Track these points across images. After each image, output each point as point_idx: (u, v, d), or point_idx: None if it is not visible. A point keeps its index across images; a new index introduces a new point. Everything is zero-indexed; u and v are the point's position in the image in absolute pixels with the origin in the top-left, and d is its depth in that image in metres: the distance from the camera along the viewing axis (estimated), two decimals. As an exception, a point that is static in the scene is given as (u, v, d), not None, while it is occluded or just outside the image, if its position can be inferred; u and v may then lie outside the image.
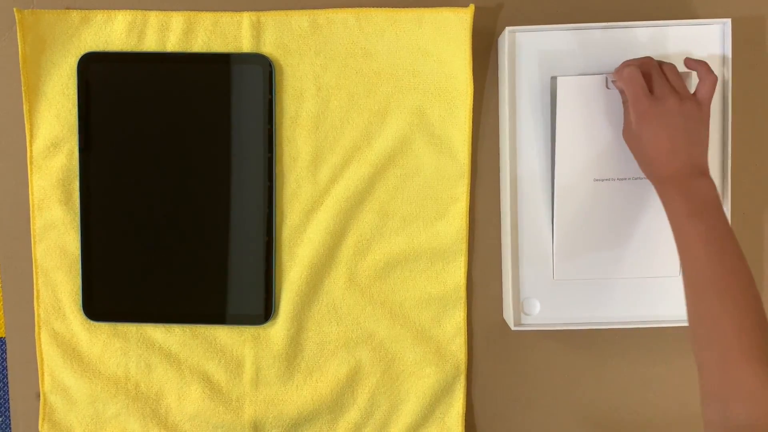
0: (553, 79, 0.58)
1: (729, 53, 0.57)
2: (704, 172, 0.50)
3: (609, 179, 0.56)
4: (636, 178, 0.56)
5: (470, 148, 0.61)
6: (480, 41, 0.61)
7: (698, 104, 0.52)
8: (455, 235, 0.61)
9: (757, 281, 0.61)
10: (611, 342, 0.62)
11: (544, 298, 0.60)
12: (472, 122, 0.61)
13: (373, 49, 0.60)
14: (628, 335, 0.62)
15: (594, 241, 0.57)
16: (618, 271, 0.58)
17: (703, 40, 0.58)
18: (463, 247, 0.61)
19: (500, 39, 0.59)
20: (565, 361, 0.63)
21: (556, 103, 0.56)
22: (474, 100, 0.61)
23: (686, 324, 0.58)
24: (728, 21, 0.57)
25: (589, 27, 0.57)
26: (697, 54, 0.58)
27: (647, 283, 0.59)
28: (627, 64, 0.54)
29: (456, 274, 0.61)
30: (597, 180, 0.56)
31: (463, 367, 0.62)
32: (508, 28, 0.57)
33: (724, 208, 0.57)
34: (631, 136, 0.53)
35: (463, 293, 0.61)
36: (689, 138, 0.51)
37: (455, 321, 0.62)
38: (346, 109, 0.61)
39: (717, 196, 0.49)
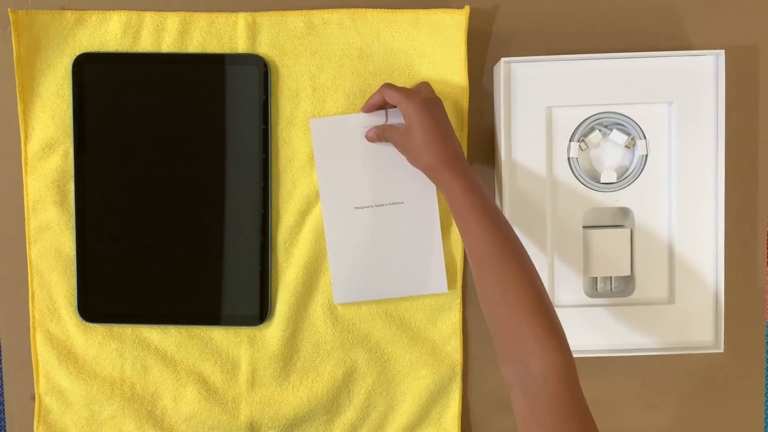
0: (548, 108, 0.58)
1: (722, 84, 0.58)
2: (467, 163, 0.55)
3: (367, 206, 0.60)
4: (392, 204, 0.60)
5: (466, 150, 0.61)
6: (476, 42, 0.61)
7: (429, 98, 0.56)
8: (450, 235, 0.61)
9: (750, 275, 0.62)
10: (606, 369, 0.63)
11: None
12: (468, 123, 0.61)
13: (368, 50, 0.60)
14: (623, 362, 0.63)
15: (365, 262, 0.60)
16: (392, 290, 0.61)
17: (697, 71, 0.58)
18: (459, 248, 0.61)
19: (495, 68, 0.60)
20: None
21: (312, 143, 0.60)
22: (470, 102, 0.60)
23: (677, 352, 0.59)
24: (722, 52, 0.57)
25: (583, 57, 0.58)
26: (691, 83, 0.58)
27: (641, 312, 0.59)
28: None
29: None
30: (357, 208, 0.60)
31: (459, 368, 0.62)
32: (503, 59, 0.57)
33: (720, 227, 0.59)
34: (401, 136, 0.56)
35: (458, 294, 0.61)
36: (450, 128, 0.56)
37: (451, 322, 0.62)
38: (342, 110, 0.60)
39: (481, 181, 0.54)
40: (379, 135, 0.59)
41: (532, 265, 0.50)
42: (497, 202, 0.61)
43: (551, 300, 0.59)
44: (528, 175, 0.59)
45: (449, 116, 0.60)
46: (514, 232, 0.51)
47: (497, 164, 0.61)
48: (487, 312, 0.50)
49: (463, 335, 0.62)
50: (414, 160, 0.56)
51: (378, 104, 0.58)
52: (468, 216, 0.51)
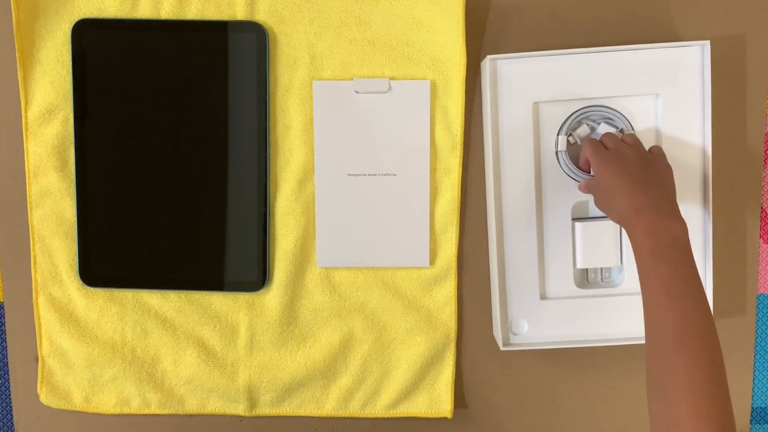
0: (535, 104, 0.59)
1: (708, 74, 0.57)
2: (672, 213, 0.49)
3: (360, 174, 0.60)
4: (385, 175, 0.60)
5: (463, 120, 0.61)
6: (474, 15, 0.61)
7: (655, 156, 0.54)
8: (447, 207, 0.62)
9: (739, 266, 0.63)
10: (598, 358, 0.64)
11: (531, 317, 0.61)
12: (465, 94, 0.61)
13: (367, 18, 0.60)
14: (620, 352, 0.64)
15: (351, 229, 0.61)
16: (375, 259, 0.61)
17: (683, 62, 0.58)
18: (455, 218, 0.62)
19: (482, 65, 0.60)
20: (549, 362, 0.64)
21: (313, 105, 0.60)
22: (467, 72, 0.60)
23: None
24: (707, 43, 0.57)
25: (569, 53, 0.58)
26: (678, 74, 0.58)
27: (634, 301, 0.60)
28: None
29: (447, 244, 0.62)
30: (350, 175, 0.60)
31: (453, 335, 0.63)
32: (489, 56, 0.58)
33: (707, 221, 0.59)
34: (595, 190, 0.55)
35: (453, 264, 0.62)
36: (648, 177, 0.51)
37: (446, 291, 0.63)
38: (339, 79, 0.61)
39: (686, 238, 0.48)
40: (586, 188, 0.57)
41: (717, 354, 0.43)
42: (486, 200, 0.62)
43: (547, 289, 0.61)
44: (516, 170, 0.59)
45: (443, 87, 0.60)
46: (707, 309, 0.45)
47: (486, 159, 0.61)
48: (648, 395, 0.44)
49: (457, 304, 0.63)
50: (606, 213, 0.54)
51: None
52: (649, 285, 0.46)
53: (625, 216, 0.50)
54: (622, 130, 0.59)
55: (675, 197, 0.53)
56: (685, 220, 0.49)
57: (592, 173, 0.57)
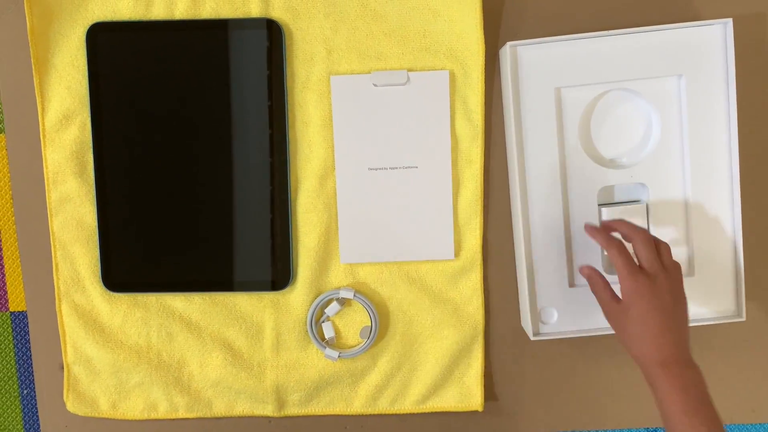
0: (557, 89, 0.58)
1: (731, 52, 0.57)
2: (691, 361, 0.50)
3: (381, 168, 0.60)
4: (406, 167, 0.60)
5: (484, 109, 0.60)
6: (490, 2, 0.60)
7: (680, 280, 0.52)
8: (470, 197, 0.61)
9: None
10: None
11: (561, 306, 0.60)
12: (485, 82, 0.60)
13: (382, 11, 0.60)
14: None
15: (374, 224, 0.61)
16: (399, 253, 0.61)
17: (705, 41, 0.57)
18: (479, 209, 0.61)
19: (502, 52, 0.59)
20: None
21: (332, 100, 0.60)
22: (486, 60, 0.60)
23: (699, 323, 0.59)
24: (729, 21, 0.56)
25: (589, 36, 0.57)
26: (700, 54, 0.57)
27: None
28: (608, 228, 0.53)
29: (472, 235, 0.61)
30: (371, 169, 0.60)
31: (480, 327, 0.62)
32: (509, 43, 0.57)
33: (737, 197, 0.58)
34: (615, 312, 0.52)
35: (479, 255, 0.62)
36: (677, 321, 0.50)
37: (472, 282, 0.62)
38: (356, 73, 0.60)
39: (707, 388, 0.49)
40: (589, 278, 0.54)
41: None
42: (510, 189, 0.61)
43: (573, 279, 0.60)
44: (540, 157, 0.59)
45: (462, 77, 0.60)
46: None
47: (509, 147, 0.60)
48: None
49: (484, 295, 0.62)
50: (623, 343, 0.52)
51: (604, 233, 0.54)
52: None
53: (648, 365, 0.50)
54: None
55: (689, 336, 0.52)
56: (709, 201, 0.48)
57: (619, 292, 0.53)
